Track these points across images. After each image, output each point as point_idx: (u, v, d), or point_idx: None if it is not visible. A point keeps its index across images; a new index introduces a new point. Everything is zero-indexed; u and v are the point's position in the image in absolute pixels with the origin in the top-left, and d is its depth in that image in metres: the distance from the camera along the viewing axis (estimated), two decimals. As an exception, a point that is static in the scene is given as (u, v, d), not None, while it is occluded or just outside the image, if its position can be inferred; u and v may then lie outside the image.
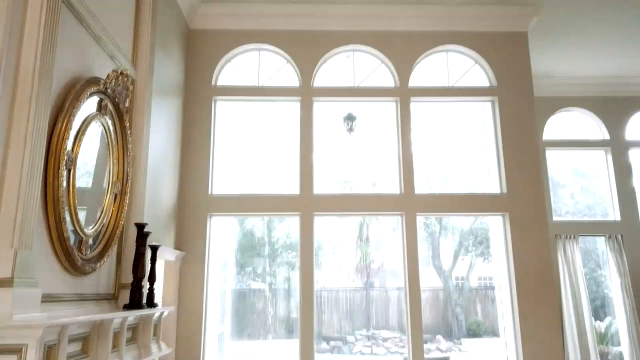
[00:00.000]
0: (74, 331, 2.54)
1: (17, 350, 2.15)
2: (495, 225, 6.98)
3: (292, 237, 12.54)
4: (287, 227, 12.72)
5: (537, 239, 6.26)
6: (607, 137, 8.29)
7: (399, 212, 6.35)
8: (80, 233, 3.02)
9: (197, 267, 5.99)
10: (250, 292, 12.32)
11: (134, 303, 3.40)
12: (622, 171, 8.16)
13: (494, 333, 14.97)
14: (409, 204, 6.31)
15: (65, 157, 2.81)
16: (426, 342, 11.39)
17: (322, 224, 6.30)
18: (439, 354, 10.31)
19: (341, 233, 14.40)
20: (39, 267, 2.55)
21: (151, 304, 3.65)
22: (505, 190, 6.43)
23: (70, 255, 2.85)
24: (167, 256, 5.44)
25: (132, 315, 3.17)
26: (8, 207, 2.36)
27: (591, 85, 8.31)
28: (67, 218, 2.85)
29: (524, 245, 6.25)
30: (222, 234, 7.04)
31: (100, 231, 3.33)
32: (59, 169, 2.74)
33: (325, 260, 14.61)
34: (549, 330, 6.10)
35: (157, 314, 3.64)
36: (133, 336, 3.37)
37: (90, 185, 3.29)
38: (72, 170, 2.93)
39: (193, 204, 6.15)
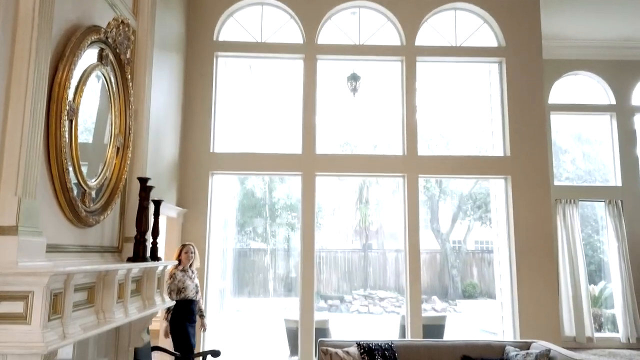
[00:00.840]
0: (80, 281, 2.56)
1: (23, 297, 2.16)
2: (497, 189, 6.98)
3: (292, 198, 12.58)
4: (288, 188, 12.72)
5: (538, 202, 6.28)
6: (613, 101, 8.18)
7: (401, 174, 6.33)
8: (83, 185, 2.99)
9: (198, 224, 6.02)
10: (251, 252, 12.48)
11: (138, 256, 3.41)
12: (627, 136, 8.09)
13: (489, 295, 15.35)
14: (411, 165, 6.28)
15: (67, 107, 2.75)
16: (422, 303, 11.65)
17: (323, 185, 6.27)
18: (434, 314, 10.53)
19: (341, 195, 14.46)
20: (43, 217, 2.54)
21: (155, 257, 3.67)
22: (508, 153, 6.39)
23: (73, 206, 2.83)
24: (169, 213, 5.45)
25: (137, 268, 3.19)
26: (11, 156, 2.32)
27: (600, 48, 8.13)
28: (70, 169, 2.81)
29: (525, 209, 6.27)
30: (223, 193, 7.04)
31: (103, 184, 3.30)
32: (60, 118, 2.69)
33: (325, 222, 14.73)
34: (546, 292, 6.20)
35: (160, 268, 3.66)
36: (137, 288, 3.39)
37: (92, 137, 3.24)
38: (74, 121, 2.87)
39: (194, 162, 6.12)
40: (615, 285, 7.97)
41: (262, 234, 13.02)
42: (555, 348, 4.35)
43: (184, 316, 4.88)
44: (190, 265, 5.12)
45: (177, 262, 4.99)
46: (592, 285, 8.53)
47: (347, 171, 6.38)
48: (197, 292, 5.05)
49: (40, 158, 2.48)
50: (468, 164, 6.41)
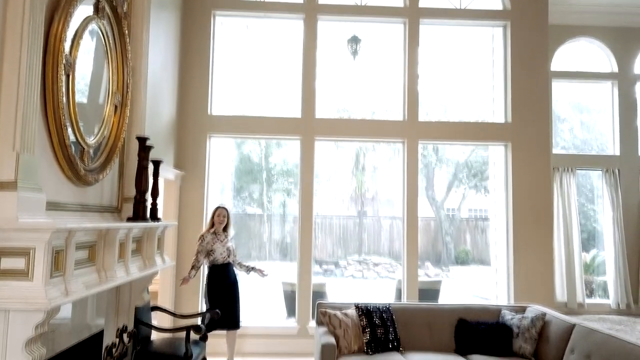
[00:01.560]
0: (81, 239, 2.52)
1: (24, 253, 2.12)
2: (496, 156, 6.96)
3: (288, 164, 12.54)
4: (285, 153, 12.67)
5: (538, 170, 6.27)
6: (615, 69, 8.08)
7: (401, 139, 6.28)
8: (81, 142, 2.92)
9: (196, 187, 5.97)
10: (247, 217, 12.50)
11: (138, 216, 3.38)
12: (627, 105, 8.03)
13: (481, 261, 15.60)
14: (411, 130, 6.22)
15: (64, 61, 2.65)
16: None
17: (319, 151, 6.20)
18: (429, 279, 10.68)
19: (337, 162, 14.40)
20: (42, 175, 2.48)
21: (154, 217, 3.64)
22: (510, 120, 6.34)
23: (72, 163, 2.77)
24: (167, 175, 5.39)
25: (137, 227, 3.16)
26: (8, 110, 2.24)
27: (605, 14, 7.96)
28: (68, 125, 2.74)
29: (524, 176, 6.26)
30: (220, 157, 6.98)
31: (101, 143, 3.23)
32: (57, 72, 2.59)
33: (321, 189, 14.72)
34: (541, 259, 6.27)
35: (160, 228, 3.64)
36: (137, 248, 3.37)
37: (89, 94, 3.15)
38: (71, 76, 2.78)
39: (192, 124, 6.02)
40: (608, 252, 8.08)
41: (258, 200, 13.01)
42: (551, 312, 4.42)
43: (214, 281, 4.95)
44: (225, 229, 5.08)
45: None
46: (584, 252, 8.64)
47: (346, 136, 6.30)
48: (228, 256, 5.02)
49: (37, 113, 2.40)
50: (469, 130, 6.36)
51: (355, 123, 6.30)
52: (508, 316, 4.52)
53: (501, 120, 6.44)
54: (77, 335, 2.91)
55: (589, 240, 9.51)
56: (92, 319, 3.12)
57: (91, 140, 3.06)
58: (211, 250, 4.94)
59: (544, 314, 4.35)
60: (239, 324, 5.05)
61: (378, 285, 12.18)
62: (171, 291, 5.67)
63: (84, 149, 2.96)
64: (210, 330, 4.51)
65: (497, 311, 4.70)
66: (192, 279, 4.97)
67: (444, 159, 16.06)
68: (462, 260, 15.74)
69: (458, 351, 4.42)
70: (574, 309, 7.50)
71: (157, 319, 4.99)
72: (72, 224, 2.34)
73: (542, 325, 4.27)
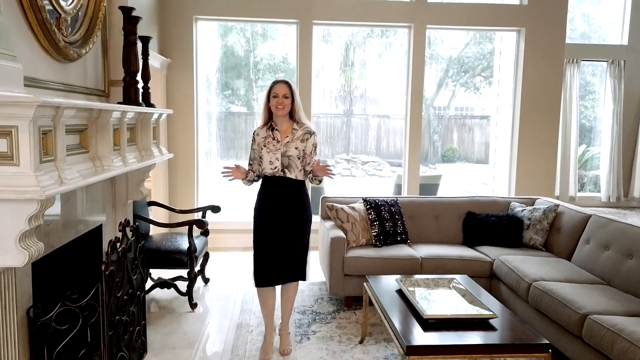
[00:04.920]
0: (69, 121, 2.14)
1: (5, 132, 1.74)
2: (504, 45, 6.54)
3: (276, 58, 11.82)
4: (271, 46, 11.87)
5: (550, 59, 5.89)
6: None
7: (407, 24, 5.75)
8: (56, 6, 2.42)
9: (185, 77, 5.48)
10: (232, 114, 12.01)
11: (130, 100, 2.97)
12: (642, -9, 7.50)
13: (467, 159, 15.76)
14: (419, 14, 5.67)
15: None
16: (401, 166, 11.71)
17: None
18: (430, 173, 10.62)
19: (326, 57, 13.65)
20: (14, 42, 2.03)
21: (147, 103, 3.24)
22: (525, 2, 5.81)
23: (48, 31, 2.30)
24: (152, 62, 4.85)
25: (132, 111, 2.76)
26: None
27: None
28: (38, -18, 2.22)
29: (535, 66, 5.89)
30: (207, 48, 6.40)
31: (79, 11, 2.72)
32: None
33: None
34: (546, 153, 6.11)
35: (156, 115, 3.25)
36: (132, 138, 3.00)
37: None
38: None
39: (176, 3, 5.36)
40: (604, 146, 8.01)
41: (243, 97, 12.42)
42: (563, 204, 4.32)
43: (259, 200, 3.15)
44: (292, 117, 3.08)
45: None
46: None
47: (348, 20, 5.72)
48: (286, 167, 3.03)
49: (-2, -41, 1.89)
50: (480, 13, 5.81)
51: (356, 4, 5.68)
52: (518, 208, 4.42)
53: (516, 1, 5.91)
54: (75, 230, 2.64)
55: (581, 134, 9.44)
56: (89, 213, 2.84)
57: (67, 6, 2.55)
58: (259, 158, 3.11)
59: (557, 206, 4.24)
60: (305, 274, 3.20)
61: (366, 183, 12.20)
62: (164, 187, 5.41)
63: (60, 15, 2.46)
64: (262, 286, 3.11)
65: (506, 203, 4.60)
66: (245, 181, 3.20)
67: (434, 54, 15.43)
68: (448, 158, 15.84)
69: (466, 243, 4.36)
70: (565, 202, 7.58)
71: (151, 215, 4.76)
72: (59, 98, 1.95)
73: (554, 217, 4.18)
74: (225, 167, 3.10)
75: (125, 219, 2.69)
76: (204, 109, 6.07)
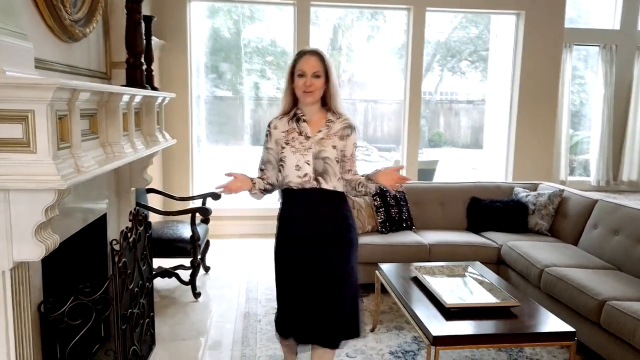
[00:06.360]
0: (82, 105, 2.01)
1: (20, 117, 1.60)
2: (501, 28, 6.51)
3: (264, 41, 11.58)
4: (258, 28, 11.61)
5: (549, 43, 5.86)
6: None
7: (407, 6, 5.65)
8: (60, -19, 2.25)
9: (179, 59, 5.31)
10: (219, 99, 11.79)
11: (135, 82, 2.81)
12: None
13: (453, 144, 15.82)
14: (420, -5, 5.57)
15: None
16: (389, 151, 11.65)
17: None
18: (428, 158, 10.57)
19: (314, 39, 13.46)
20: (22, 20, 1.88)
21: (152, 86, 3.09)
22: (526, -17, 5.76)
23: (54, 7, 2.14)
24: (146, 42, 4.66)
25: (140, 94, 2.62)
26: None
27: None
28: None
29: (534, 50, 5.86)
30: (199, 30, 6.21)
31: (81, -13, 2.55)
32: None
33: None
34: (543, 138, 6.12)
35: (160, 99, 3.10)
36: (136, 123, 2.86)
37: None
38: None
39: (169, -18, 5.16)
40: (594, 131, 8.10)
41: (230, 80, 12.18)
42: (568, 189, 4.32)
43: (281, 223, 2.27)
44: (325, 104, 2.24)
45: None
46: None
47: (345, 1, 5.59)
48: (320, 174, 2.16)
49: None
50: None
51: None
52: (522, 193, 4.41)
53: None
54: (82, 220, 2.51)
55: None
56: (94, 202, 2.71)
57: (71, -18, 2.38)
58: (281, 161, 2.22)
59: (562, 191, 4.24)
60: (358, 327, 2.28)
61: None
62: (159, 174, 5.25)
63: (63, -9, 2.30)
64: (286, 337, 2.32)
65: (509, 189, 4.58)
66: (254, 192, 2.30)
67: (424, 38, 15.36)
68: (434, 142, 15.88)
69: (470, 229, 4.33)
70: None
71: (149, 203, 4.61)
72: (76, 81, 1.81)
73: (559, 202, 4.17)
74: (217, 187, 2.23)
75: (135, 208, 2.57)
76: (194, 93, 5.90)
